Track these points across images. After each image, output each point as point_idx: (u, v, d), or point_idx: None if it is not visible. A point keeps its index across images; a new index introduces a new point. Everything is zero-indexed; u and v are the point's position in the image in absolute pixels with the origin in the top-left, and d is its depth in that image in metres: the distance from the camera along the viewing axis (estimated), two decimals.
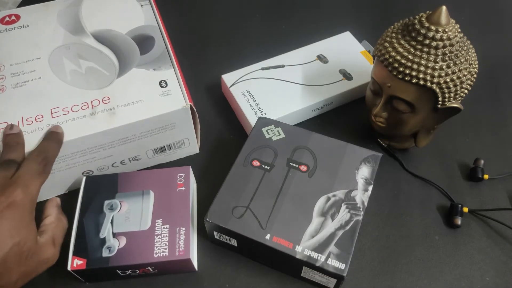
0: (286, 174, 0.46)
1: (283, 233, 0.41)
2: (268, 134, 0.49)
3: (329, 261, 0.40)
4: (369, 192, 0.44)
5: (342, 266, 0.39)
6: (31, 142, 0.43)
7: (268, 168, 0.46)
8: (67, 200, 0.50)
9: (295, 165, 0.46)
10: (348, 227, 0.42)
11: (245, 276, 0.45)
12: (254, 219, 0.42)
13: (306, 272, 0.42)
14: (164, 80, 0.48)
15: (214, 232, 0.44)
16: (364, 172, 0.46)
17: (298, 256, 0.40)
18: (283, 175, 0.46)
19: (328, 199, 0.44)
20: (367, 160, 0.47)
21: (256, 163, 0.47)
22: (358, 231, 0.42)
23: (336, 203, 0.43)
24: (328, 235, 0.41)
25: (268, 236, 0.41)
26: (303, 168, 0.46)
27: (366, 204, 0.44)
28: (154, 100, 0.47)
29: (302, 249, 0.40)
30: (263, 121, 0.50)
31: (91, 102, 0.46)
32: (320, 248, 0.41)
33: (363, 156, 0.47)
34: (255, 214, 0.43)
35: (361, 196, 0.44)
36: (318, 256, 0.40)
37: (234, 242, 0.44)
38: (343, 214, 0.43)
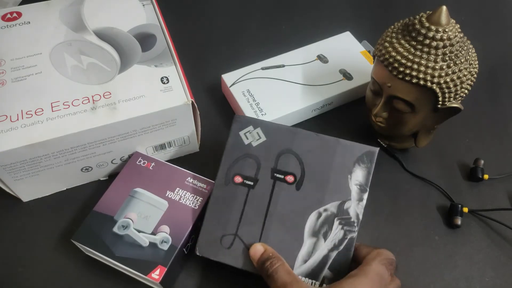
0: (272, 189, 0.43)
1: None
2: (247, 138, 0.45)
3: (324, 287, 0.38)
4: (364, 202, 0.41)
5: None
6: (30, 135, 0.43)
7: (252, 183, 0.43)
8: (67, 196, 0.50)
9: (280, 175, 0.43)
10: (341, 247, 0.40)
11: (245, 277, 0.45)
12: (244, 248, 0.41)
13: None
14: (165, 77, 0.48)
15: None
16: (358, 176, 0.42)
17: None
18: (268, 191, 0.43)
19: (319, 215, 0.41)
20: (361, 160, 0.43)
21: (238, 179, 0.43)
22: (352, 250, 0.39)
23: (328, 219, 0.41)
24: (321, 259, 0.40)
25: None
26: (290, 179, 0.43)
27: (361, 217, 0.40)
28: (156, 95, 0.47)
29: None
30: (240, 122, 0.46)
31: (92, 96, 0.46)
32: (314, 274, 0.39)
33: (357, 154, 0.43)
34: (244, 242, 0.41)
35: (355, 207, 0.41)
36: (312, 282, 0.39)
37: None
38: (336, 231, 0.40)
